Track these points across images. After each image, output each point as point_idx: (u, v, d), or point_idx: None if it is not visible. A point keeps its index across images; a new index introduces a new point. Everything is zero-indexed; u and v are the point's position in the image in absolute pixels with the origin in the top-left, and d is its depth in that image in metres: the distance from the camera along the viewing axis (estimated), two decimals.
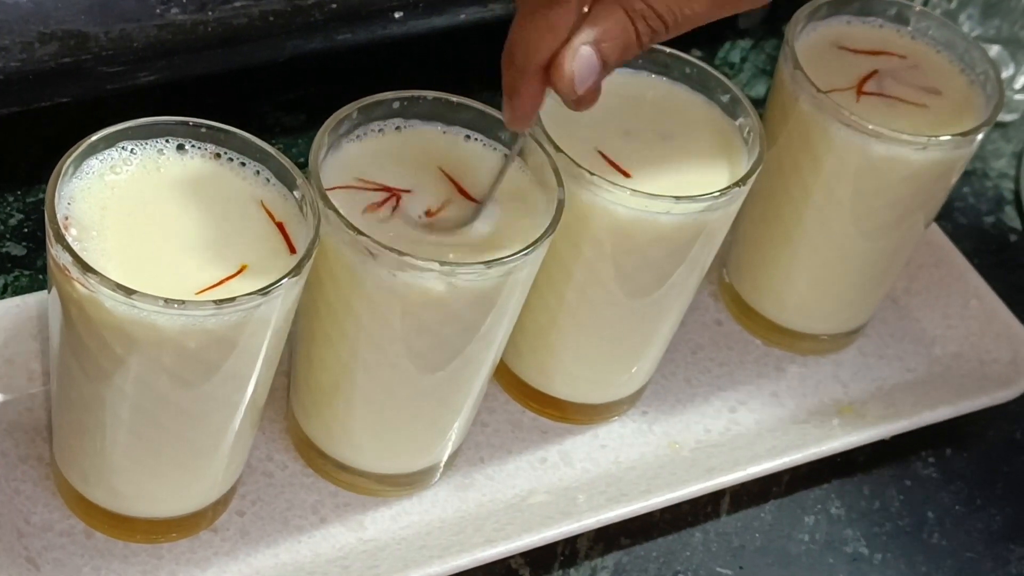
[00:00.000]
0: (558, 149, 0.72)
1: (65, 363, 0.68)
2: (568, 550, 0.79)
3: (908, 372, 0.89)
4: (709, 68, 0.78)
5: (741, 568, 0.80)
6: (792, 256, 0.86)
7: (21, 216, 0.86)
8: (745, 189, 0.74)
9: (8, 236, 0.85)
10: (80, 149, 0.67)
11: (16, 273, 0.84)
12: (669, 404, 0.85)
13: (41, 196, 0.87)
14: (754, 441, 0.83)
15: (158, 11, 0.79)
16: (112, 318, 0.63)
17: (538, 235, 0.69)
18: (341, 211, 0.67)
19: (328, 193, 0.68)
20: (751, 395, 0.86)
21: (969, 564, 0.83)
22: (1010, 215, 1.02)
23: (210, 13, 0.80)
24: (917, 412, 0.85)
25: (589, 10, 0.63)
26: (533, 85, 0.64)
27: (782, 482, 0.84)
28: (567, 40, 0.63)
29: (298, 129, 0.94)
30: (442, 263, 0.66)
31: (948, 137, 0.79)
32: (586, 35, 0.63)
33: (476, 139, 0.73)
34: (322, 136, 0.70)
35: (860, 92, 0.81)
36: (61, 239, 0.63)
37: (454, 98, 0.73)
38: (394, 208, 0.70)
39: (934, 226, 0.93)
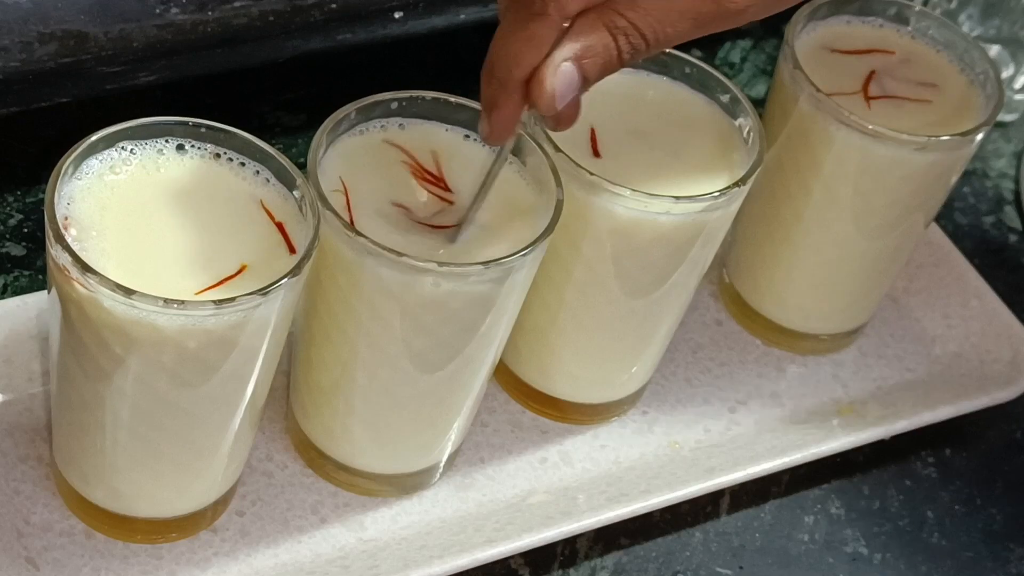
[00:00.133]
0: (557, 149, 0.72)
1: (65, 363, 0.68)
2: (568, 550, 0.79)
3: (908, 372, 0.89)
4: (709, 68, 0.78)
5: (741, 568, 0.80)
6: (792, 256, 0.86)
7: (21, 216, 0.86)
8: (745, 189, 0.74)
9: (8, 236, 0.85)
10: (80, 149, 0.67)
11: (16, 273, 0.84)
12: (669, 404, 0.85)
13: (41, 196, 0.87)
14: (754, 441, 0.83)
15: (158, 11, 0.79)
16: (112, 318, 0.63)
17: (537, 235, 0.69)
18: (340, 212, 0.67)
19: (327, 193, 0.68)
20: (751, 395, 0.86)
21: (969, 564, 0.83)
22: (1010, 215, 1.02)
23: (210, 13, 0.80)
24: (917, 412, 0.85)
25: (570, 26, 0.63)
26: (513, 99, 0.64)
27: (782, 482, 0.84)
28: (548, 55, 0.63)
29: (298, 129, 0.94)
30: (441, 263, 0.66)
31: (948, 137, 0.79)
32: (567, 51, 0.62)
33: (476, 139, 0.73)
34: (320, 136, 0.70)
35: (868, 98, 0.81)
36: (61, 239, 0.63)
37: (453, 98, 0.73)
38: (393, 208, 0.70)
39: (934, 226, 0.93)
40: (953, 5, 1.03)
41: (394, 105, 0.73)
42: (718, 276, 0.90)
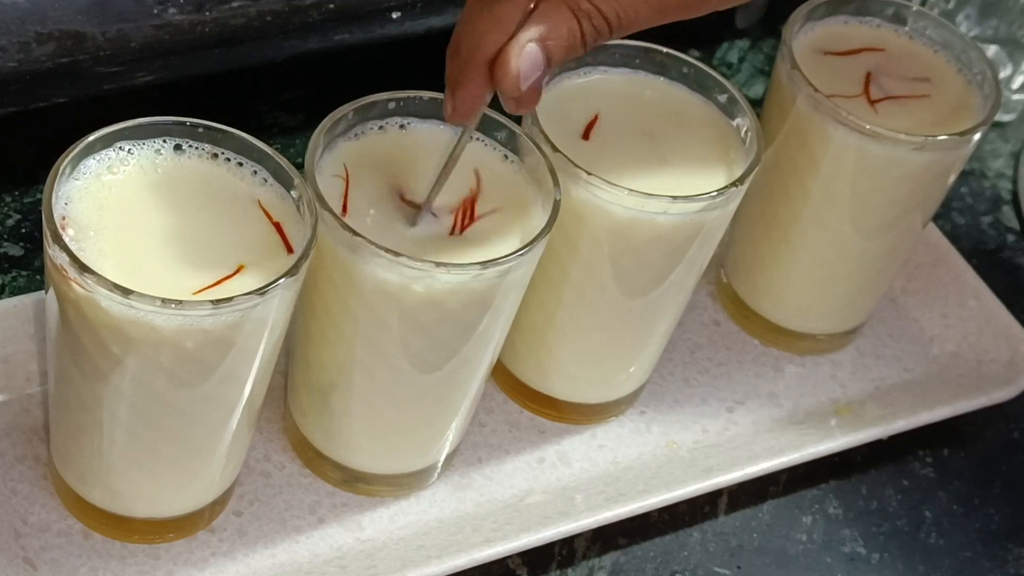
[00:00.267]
0: (555, 149, 0.72)
1: (62, 363, 0.68)
2: (566, 550, 0.79)
3: (906, 372, 0.89)
4: (707, 68, 0.78)
5: (739, 568, 0.80)
6: (790, 256, 0.86)
7: (18, 216, 0.86)
8: (742, 189, 0.74)
9: (5, 237, 0.85)
10: (77, 149, 0.67)
11: (13, 273, 0.84)
12: (667, 404, 0.85)
13: (38, 196, 0.87)
14: (752, 441, 0.83)
15: (155, 11, 0.79)
16: (109, 318, 0.63)
17: (534, 235, 0.69)
18: (337, 211, 0.67)
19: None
20: (749, 395, 0.86)
21: (967, 564, 0.83)
22: (1008, 215, 1.02)
23: (207, 13, 0.80)
24: (915, 412, 0.85)
25: (535, 7, 0.63)
26: (477, 79, 0.64)
27: (780, 482, 0.84)
28: (513, 36, 0.63)
29: (296, 129, 0.94)
30: (438, 263, 0.66)
31: (945, 137, 0.79)
32: (532, 32, 0.63)
33: (477, 139, 0.73)
34: (318, 136, 0.70)
35: (872, 102, 0.81)
36: (58, 239, 0.63)
37: None
38: (392, 208, 0.70)
39: (932, 226, 0.93)
40: (951, 5, 1.03)
41: (392, 105, 0.73)
42: (716, 276, 0.90)
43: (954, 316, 0.91)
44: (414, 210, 0.70)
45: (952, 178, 0.83)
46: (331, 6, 0.83)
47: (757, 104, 0.84)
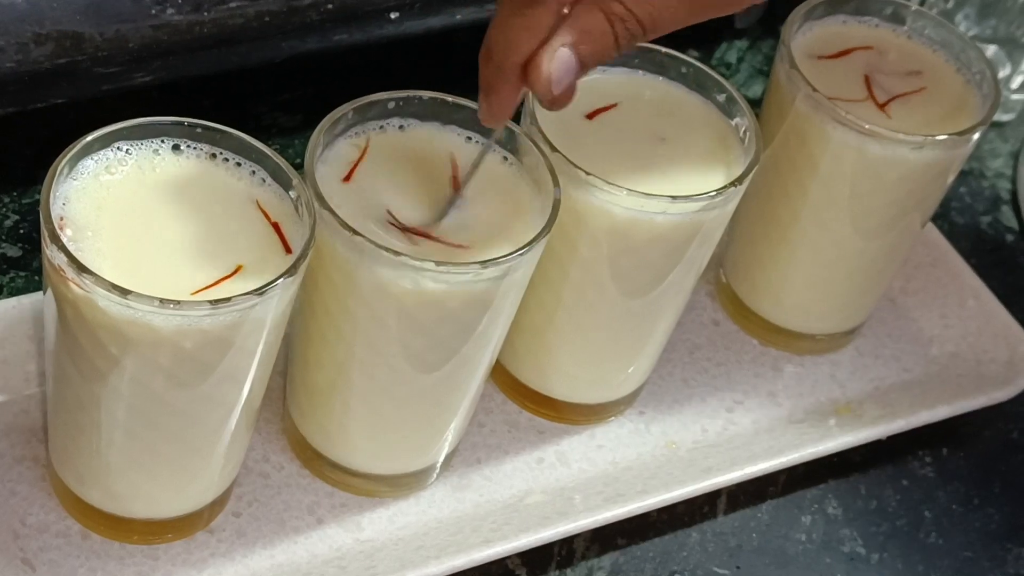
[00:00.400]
0: (554, 149, 0.72)
1: (61, 364, 0.68)
2: (565, 550, 0.79)
3: (905, 372, 0.89)
4: (705, 68, 0.78)
5: (738, 568, 0.80)
6: (789, 256, 0.86)
7: (17, 217, 0.86)
8: (741, 189, 0.74)
9: (3, 237, 0.85)
10: (75, 149, 0.67)
11: (12, 274, 0.84)
12: (666, 404, 0.85)
13: (37, 197, 0.87)
14: (751, 441, 0.83)
15: (153, 12, 0.79)
16: (107, 318, 0.63)
17: (534, 235, 0.69)
18: (337, 212, 0.67)
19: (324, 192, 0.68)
20: (748, 395, 0.86)
21: (966, 564, 0.83)
22: (1007, 215, 1.02)
23: (206, 13, 0.80)
24: (914, 412, 0.85)
25: (569, 11, 0.64)
26: (510, 83, 0.65)
27: (779, 482, 0.83)
28: (546, 40, 0.63)
29: (294, 129, 0.94)
30: (438, 263, 0.66)
31: (944, 136, 0.79)
32: (565, 36, 0.63)
33: (476, 140, 0.73)
34: (317, 136, 0.70)
35: (881, 106, 0.81)
36: (56, 239, 0.63)
37: (450, 98, 0.73)
38: (389, 209, 0.70)
39: (931, 226, 0.93)
40: (950, 5, 1.03)
41: (391, 105, 0.73)
42: (715, 276, 0.90)
43: (953, 316, 0.91)
44: (441, 207, 0.69)
45: (951, 178, 0.83)
46: (329, 6, 0.83)
47: (756, 104, 0.84)
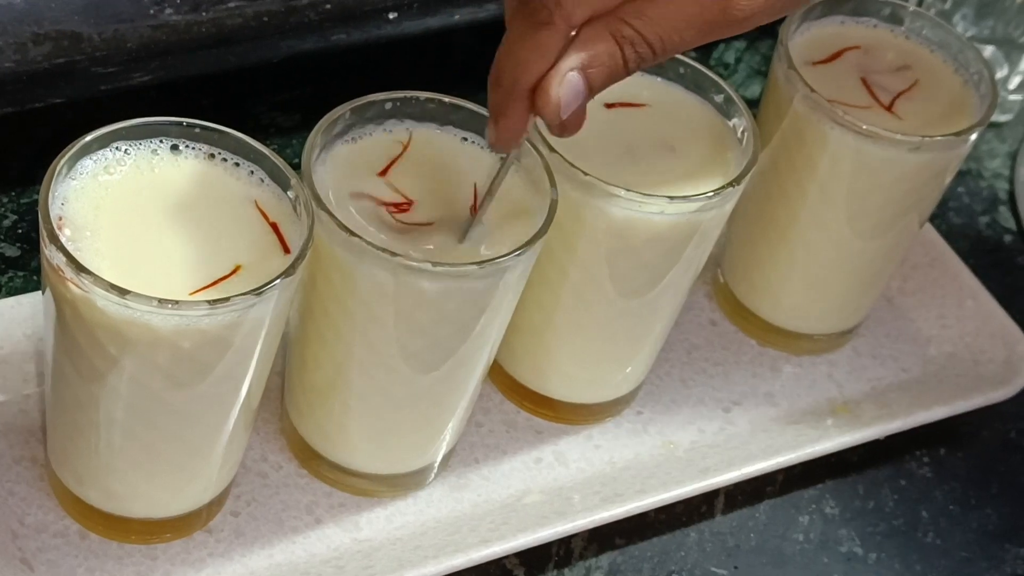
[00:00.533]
0: (552, 149, 0.72)
1: (59, 364, 0.68)
2: (563, 550, 0.79)
3: (903, 372, 0.89)
4: (703, 68, 0.78)
5: (736, 568, 0.80)
6: (787, 256, 0.86)
7: (15, 217, 0.86)
8: (739, 189, 0.74)
9: (2, 237, 0.85)
10: (74, 149, 0.67)
11: (10, 274, 0.84)
12: (664, 404, 0.85)
13: (35, 197, 0.87)
14: (749, 441, 0.83)
15: (152, 11, 0.79)
16: (106, 318, 0.63)
17: (532, 235, 0.69)
18: (335, 213, 0.67)
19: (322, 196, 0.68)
20: (746, 395, 0.86)
21: (964, 564, 0.83)
22: (1005, 215, 1.02)
23: (204, 13, 0.80)
24: (912, 412, 0.85)
25: (577, 34, 0.63)
26: (519, 108, 0.64)
27: (777, 482, 0.84)
28: (554, 64, 0.63)
29: (293, 129, 0.94)
30: (435, 264, 0.66)
31: (942, 137, 0.79)
32: (573, 60, 0.63)
33: (473, 141, 0.73)
34: (315, 137, 0.70)
35: (887, 108, 0.81)
36: (55, 239, 0.63)
37: (447, 99, 0.73)
38: (388, 209, 0.70)
39: (929, 226, 0.93)
40: (947, 6, 1.03)
41: (389, 106, 0.73)
42: (713, 276, 0.90)
43: (951, 316, 0.91)
44: (465, 222, 0.69)
45: (949, 178, 0.83)
46: (328, 6, 0.83)
47: (754, 105, 0.84)
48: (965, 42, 0.84)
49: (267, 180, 0.69)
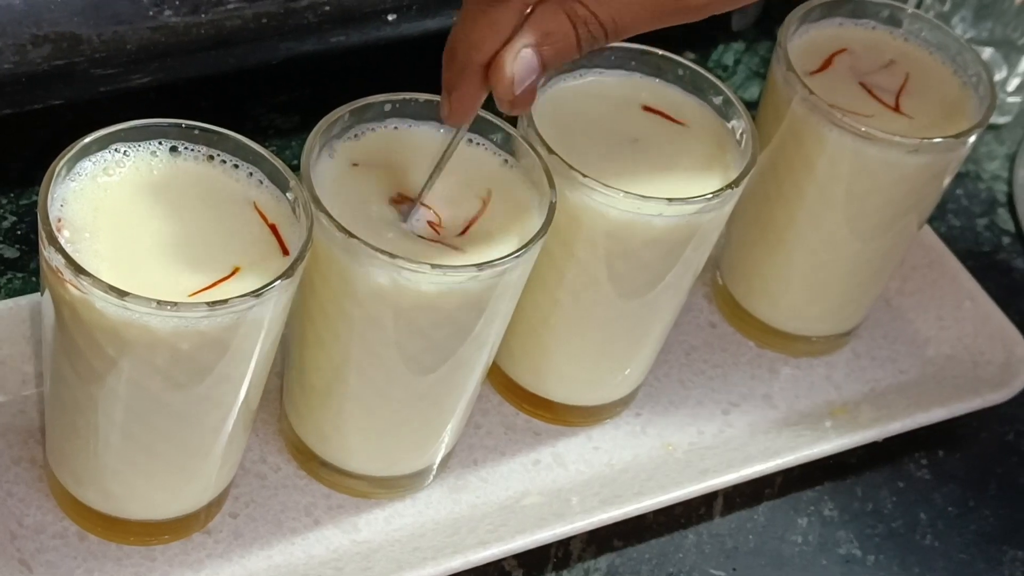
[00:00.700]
0: (550, 151, 0.72)
1: (58, 365, 0.68)
2: (561, 552, 0.79)
3: (901, 374, 0.89)
4: (702, 70, 0.78)
5: (734, 570, 0.80)
6: (785, 258, 0.86)
7: (14, 218, 0.86)
8: (738, 191, 0.74)
9: (1, 239, 0.85)
10: (73, 151, 0.67)
11: (9, 275, 0.84)
12: (662, 406, 0.85)
13: (34, 198, 0.87)
14: (747, 443, 0.83)
15: (151, 13, 0.79)
16: (105, 320, 0.63)
17: (530, 237, 0.69)
18: (334, 213, 0.67)
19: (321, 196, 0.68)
20: (744, 397, 0.86)
21: (962, 566, 0.83)
22: (1003, 217, 1.02)
23: (203, 15, 0.80)
24: (910, 414, 0.85)
25: (531, 12, 0.64)
26: (473, 83, 0.65)
27: (775, 484, 0.84)
28: (508, 40, 0.64)
29: (292, 131, 0.94)
30: (434, 265, 0.66)
31: (940, 139, 0.79)
32: (528, 37, 0.64)
33: (474, 142, 0.73)
34: (314, 138, 0.70)
35: (895, 109, 0.81)
36: (54, 241, 0.63)
37: None
38: (387, 210, 0.70)
39: (927, 228, 0.93)
40: (946, 7, 1.03)
41: (388, 107, 0.73)
42: (711, 278, 0.90)
43: (949, 318, 0.91)
44: (407, 206, 0.70)
45: (947, 180, 0.83)
46: (327, 8, 0.83)
47: (752, 106, 0.84)
48: (964, 44, 0.84)
49: (266, 182, 0.69)
